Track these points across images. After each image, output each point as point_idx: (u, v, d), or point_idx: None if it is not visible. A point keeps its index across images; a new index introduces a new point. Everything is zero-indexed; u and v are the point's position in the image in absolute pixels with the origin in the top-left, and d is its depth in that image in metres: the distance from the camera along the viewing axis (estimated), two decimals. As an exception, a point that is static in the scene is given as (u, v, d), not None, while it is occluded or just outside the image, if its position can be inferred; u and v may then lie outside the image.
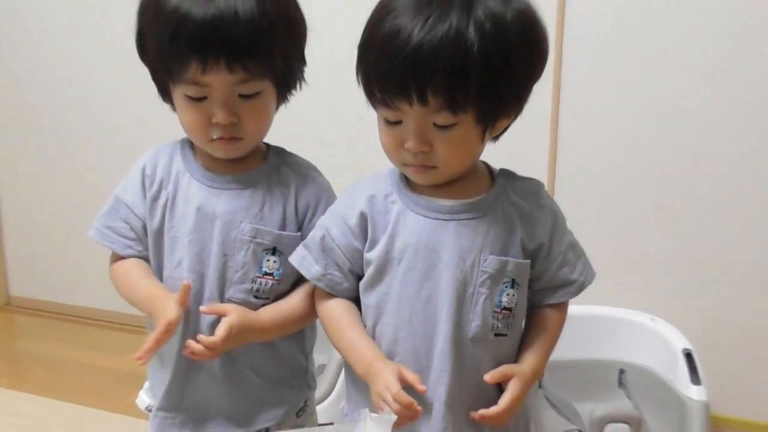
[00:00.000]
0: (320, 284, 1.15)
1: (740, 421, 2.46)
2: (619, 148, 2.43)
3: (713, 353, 2.33)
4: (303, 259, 1.16)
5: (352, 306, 1.17)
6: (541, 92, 2.57)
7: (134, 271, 1.28)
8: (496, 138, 1.14)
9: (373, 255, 1.11)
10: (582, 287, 1.19)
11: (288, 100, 1.27)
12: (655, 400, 2.22)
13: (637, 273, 2.49)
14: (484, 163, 1.19)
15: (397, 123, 1.04)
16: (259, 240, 1.23)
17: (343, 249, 1.13)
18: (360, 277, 1.15)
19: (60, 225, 3.32)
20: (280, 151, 1.31)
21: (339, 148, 2.69)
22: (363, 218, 1.12)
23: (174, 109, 1.24)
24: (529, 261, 1.12)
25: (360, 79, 1.08)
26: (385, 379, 1.04)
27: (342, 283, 1.15)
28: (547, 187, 2.41)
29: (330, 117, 2.68)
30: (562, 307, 1.21)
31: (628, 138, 2.42)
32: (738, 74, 2.27)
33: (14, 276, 3.52)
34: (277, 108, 1.28)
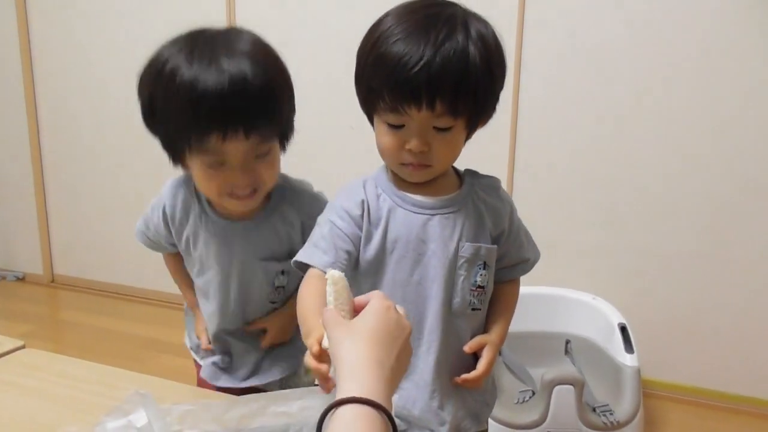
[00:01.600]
0: (333, 267, 1.07)
1: (666, 384, 2.47)
2: (569, 154, 2.44)
3: (644, 326, 2.35)
4: (312, 255, 1.08)
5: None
6: (504, 109, 2.59)
7: (179, 269, 1.38)
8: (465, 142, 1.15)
9: (370, 248, 1.09)
10: (533, 264, 1.21)
11: (286, 149, 1.21)
12: (595, 365, 2.22)
13: (581, 259, 2.50)
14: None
15: (400, 127, 1.04)
16: (270, 269, 1.25)
17: (350, 236, 1.09)
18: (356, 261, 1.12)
19: (97, 215, 3.31)
20: (280, 188, 1.25)
21: (332, 156, 2.69)
22: (363, 209, 1.09)
23: (184, 170, 1.18)
24: (495, 246, 1.13)
25: (365, 91, 1.06)
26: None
27: (348, 270, 1.09)
28: (506, 187, 2.45)
29: (324, 127, 2.67)
30: (517, 281, 1.22)
31: (575, 146, 2.43)
32: (671, 93, 2.29)
33: (58, 257, 3.50)
34: (282, 153, 1.22)
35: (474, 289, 1.11)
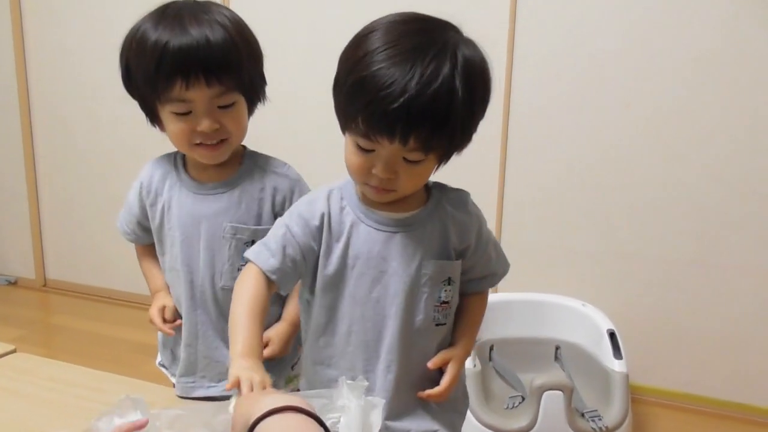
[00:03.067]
0: (274, 276, 1.04)
1: (654, 389, 2.48)
2: (558, 162, 2.45)
3: (632, 333, 2.36)
4: (259, 254, 1.05)
5: (265, 297, 1.04)
6: (493, 119, 2.60)
7: (147, 261, 1.40)
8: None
9: (331, 263, 1.06)
10: (501, 277, 1.19)
11: (253, 111, 1.28)
12: (584, 371, 2.23)
13: (570, 266, 2.51)
14: None
15: (369, 151, 0.99)
16: (239, 236, 1.24)
17: (302, 246, 1.05)
18: (304, 273, 1.09)
19: (90, 219, 3.30)
20: (253, 155, 1.32)
21: (326, 159, 2.69)
22: (322, 222, 1.06)
23: (162, 129, 1.25)
24: (460, 261, 1.10)
25: (340, 111, 1.02)
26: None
27: (292, 278, 1.07)
28: (496, 194, 2.46)
29: (318, 130, 2.67)
30: (484, 294, 1.20)
31: (565, 154, 2.44)
32: (660, 102, 2.30)
33: (50, 262, 3.49)
34: (249, 114, 1.29)
35: (438, 305, 1.09)
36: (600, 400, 2.04)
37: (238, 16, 1.24)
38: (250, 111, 1.27)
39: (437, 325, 1.10)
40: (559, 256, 2.50)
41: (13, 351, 1.35)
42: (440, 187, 1.13)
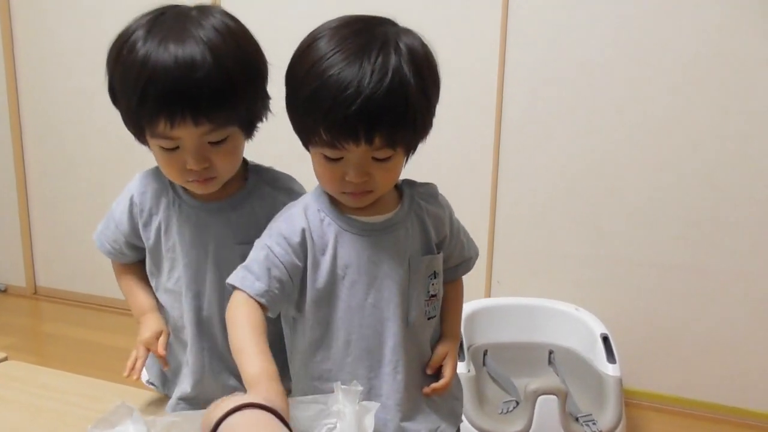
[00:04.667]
0: (262, 300, 1.00)
1: (648, 393, 2.48)
2: (551, 167, 2.46)
3: (626, 337, 2.36)
4: (244, 279, 1.01)
5: (262, 320, 1.00)
6: (486, 123, 2.60)
7: (131, 279, 1.26)
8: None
9: (320, 276, 1.04)
10: (474, 262, 1.22)
11: (253, 133, 1.16)
12: (578, 375, 2.23)
13: (564, 271, 2.51)
14: None
15: (337, 159, 0.99)
16: (247, 255, 1.11)
17: (287, 265, 1.02)
18: (291, 292, 1.06)
19: (80, 226, 3.28)
20: (257, 169, 1.22)
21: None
22: (304, 237, 1.04)
23: (149, 148, 1.13)
24: (441, 253, 1.13)
25: (298, 125, 1.01)
26: None
27: (280, 300, 1.03)
28: (490, 198, 2.46)
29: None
30: (460, 280, 1.23)
31: (558, 160, 2.45)
32: (652, 108, 2.31)
33: (40, 269, 3.47)
34: (247, 139, 1.17)
35: (428, 299, 1.11)
36: (594, 404, 2.04)
37: (237, 28, 1.10)
38: (250, 135, 1.15)
39: (429, 318, 1.12)
40: (553, 261, 2.50)
41: (5, 359, 1.34)
42: (409, 183, 1.13)
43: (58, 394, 1.22)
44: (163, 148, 1.07)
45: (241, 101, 1.06)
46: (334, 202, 1.07)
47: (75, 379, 1.29)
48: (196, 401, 1.20)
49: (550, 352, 2.35)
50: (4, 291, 3.50)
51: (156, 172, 1.20)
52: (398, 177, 1.07)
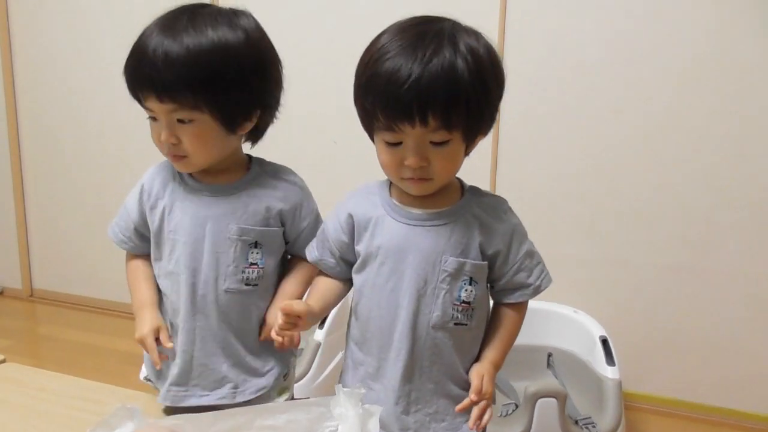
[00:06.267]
0: (319, 265, 1.21)
1: (647, 396, 2.48)
2: (548, 174, 2.46)
3: (625, 340, 2.36)
4: (310, 247, 1.22)
5: (330, 284, 1.21)
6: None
7: (137, 271, 1.31)
8: (467, 154, 1.14)
9: (360, 249, 1.14)
10: (537, 290, 1.19)
11: (246, 129, 1.23)
12: (577, 378, 2.23)
13: (562, 273, 2.50)
14: (458, 179, 1.19)
15: (397, 144, 1.04)
16: (244, 237, 1.22)
17: (333, 240, 1.17)
18: (353, 263, 1.18)
19: (76, 229, 3.28)
20: (260, 162, 1.31)
21: (316, 168, 2.69)
22: (350, 218, 1.15)
23: None
24: (486, 263, 1.12)
25: (361, 111, 1.08)
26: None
27: (334, 267, 1.19)
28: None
29: (309, 141, 2.67)
30: (520, 306, 1.19)
31: (555, 166, 2.44)
32: (649, 110, 2.32)
33: (37, 271, 3.46)
34: (253, 136, 1.27)
35: (458, 304, 1.10)
36: (593, 406, 2.04)
37: (239, 31, 1.17)
38: (233, 130, 1.21)
39: (456, 324, 1.11)
40: (551, 264, 2.46)
41: (3, 361, 1.33)
42: (475, 190, 1.17)
43: (55, 396, 1.21)
44: (148, 118, 1.20)
45: (210, 90, 1.14)
46: (395, 190, 1.15)
47: (72, 382, 1.28)
48: (185, 385, 1.25)
49: (549, 355, 2.35)
50: (0, 293, 3.49)
51: (166, 164, 1.30)
52: (457, 167, 1.10)
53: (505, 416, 2.02)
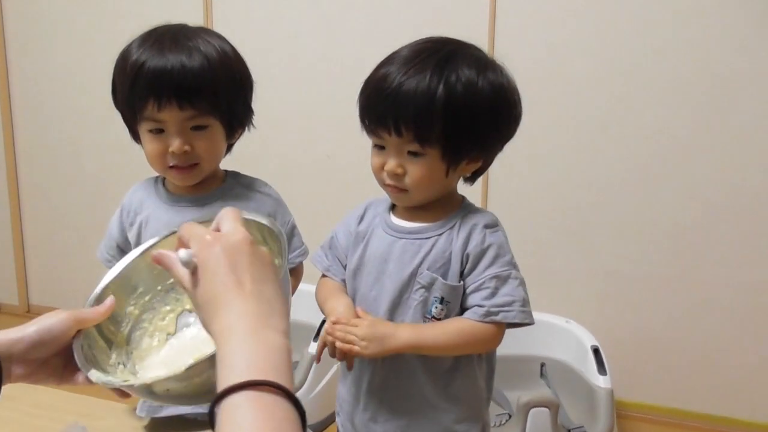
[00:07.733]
0: (328, 273, 1.23)
1: (639, 405, 2.48)
2: (539, 187, 2.47)
3: (617, 349, 2.36)
4: (317, 256, 1.26)
5: (341, 285, 1.23)
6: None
7: None
8: (469, 180, 1.18)
9: (354, 258, 1.18)
10: (487, 315, 1.08)
11: (234, 138, 1.29)
12: (570, 388, 2.23)
13: (555, 284, 2.51)
14: (463, 197, 1.20)
15: (382, 147, 1.10)
16: None
17: (342, 249, 1.21)
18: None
19: (73, 244, 3.27)
20: (235, 175, 1.34)
21: (308, 184, 2.69)
22: (357, 224, 1.20)
23: (142, 146, 1.27)
24: (460, 284, 1.10)
25: (359, 114, 1.12)
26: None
27: (344, 274, 1.22)
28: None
29: (303, 156, 2.68)
30: (472, 324, 1.10)
31: (546, 179, 2.45)
32: (637, 121, 2.33)
33: (34, 287, 3.45)
34: (229, 145, 1.30)
35: (429, 318, 1.11)
36: (586, 416, 2.04)
37: (227, 45, 1.24)
38: (231, 137, 1.27)
39: None
40: (542, 274, 2.51)
41: (-2, 377, 1.33)
42: (468, 207, 1.17)
43: (51, 412, 1.21)
44: (150, 132, 1.20)
45: (223, 96, 1.19)
46: (389, 201, 1.19)
47: (68, 397, 1.28)
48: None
49: (542, 365, 2.35)
50: (-3, 309, 3.48)
51: (146, 181, 1.34)
52: (435, 185, 1.10)
53: (498, 426, 2.02)
